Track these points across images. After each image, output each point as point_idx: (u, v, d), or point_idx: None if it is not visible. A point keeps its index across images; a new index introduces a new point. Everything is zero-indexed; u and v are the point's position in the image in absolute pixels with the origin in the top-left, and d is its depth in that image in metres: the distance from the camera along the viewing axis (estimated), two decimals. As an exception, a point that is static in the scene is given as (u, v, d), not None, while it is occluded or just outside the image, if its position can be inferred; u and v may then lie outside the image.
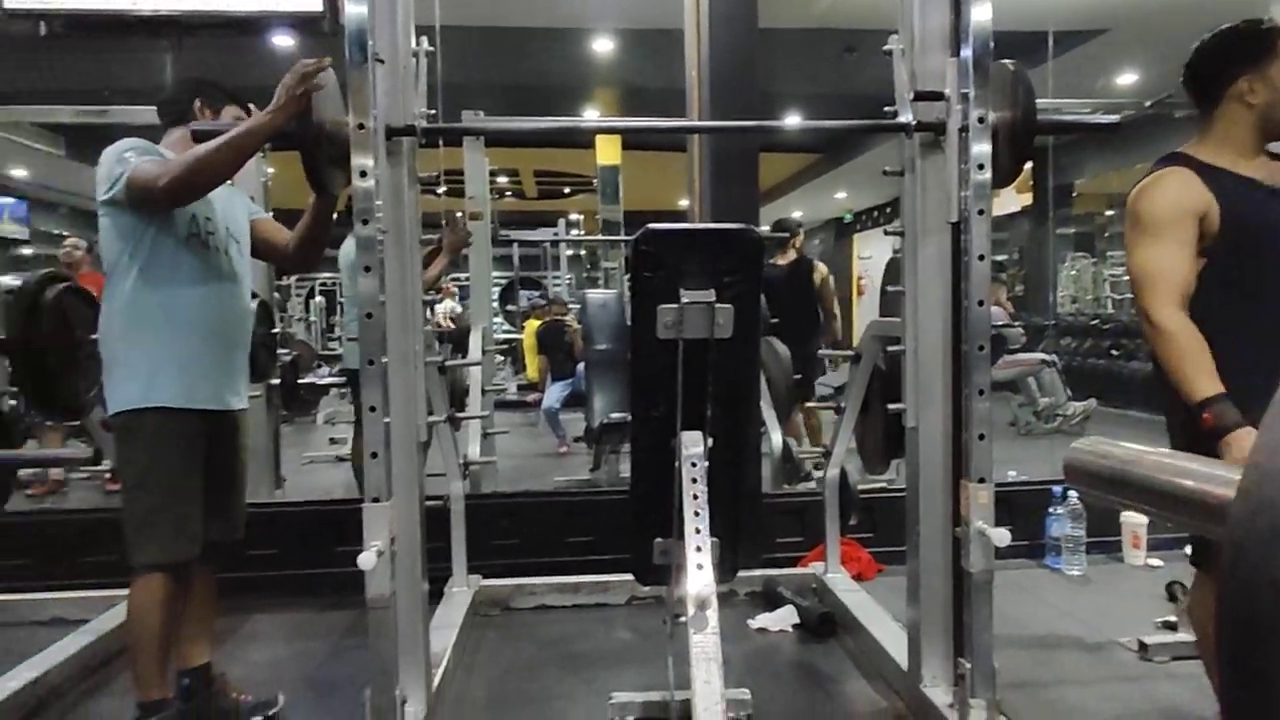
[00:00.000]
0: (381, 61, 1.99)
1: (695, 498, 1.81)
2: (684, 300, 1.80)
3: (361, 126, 1.90)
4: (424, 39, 2.21)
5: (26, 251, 11.17)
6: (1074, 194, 10.62)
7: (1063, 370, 7.06)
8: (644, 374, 1.94)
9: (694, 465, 1.85)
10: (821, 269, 5.22)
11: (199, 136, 2.04)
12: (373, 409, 1.92)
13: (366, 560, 1.87)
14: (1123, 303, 10.58)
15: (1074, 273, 11.48)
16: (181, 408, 2.12)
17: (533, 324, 8.61)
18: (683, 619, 1.70)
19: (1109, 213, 11.41)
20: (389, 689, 1.99)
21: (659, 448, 1.96)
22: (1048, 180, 8.41)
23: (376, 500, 1.94)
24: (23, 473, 4.93)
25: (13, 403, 3.20)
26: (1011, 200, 9.76)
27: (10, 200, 10.39)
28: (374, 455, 1.93)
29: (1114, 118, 2.16)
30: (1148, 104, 4.55)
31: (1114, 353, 8.31)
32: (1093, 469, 0.63)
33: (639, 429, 2.02)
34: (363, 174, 1.90)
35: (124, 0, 3.18)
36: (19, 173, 10.33)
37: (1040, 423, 6.80)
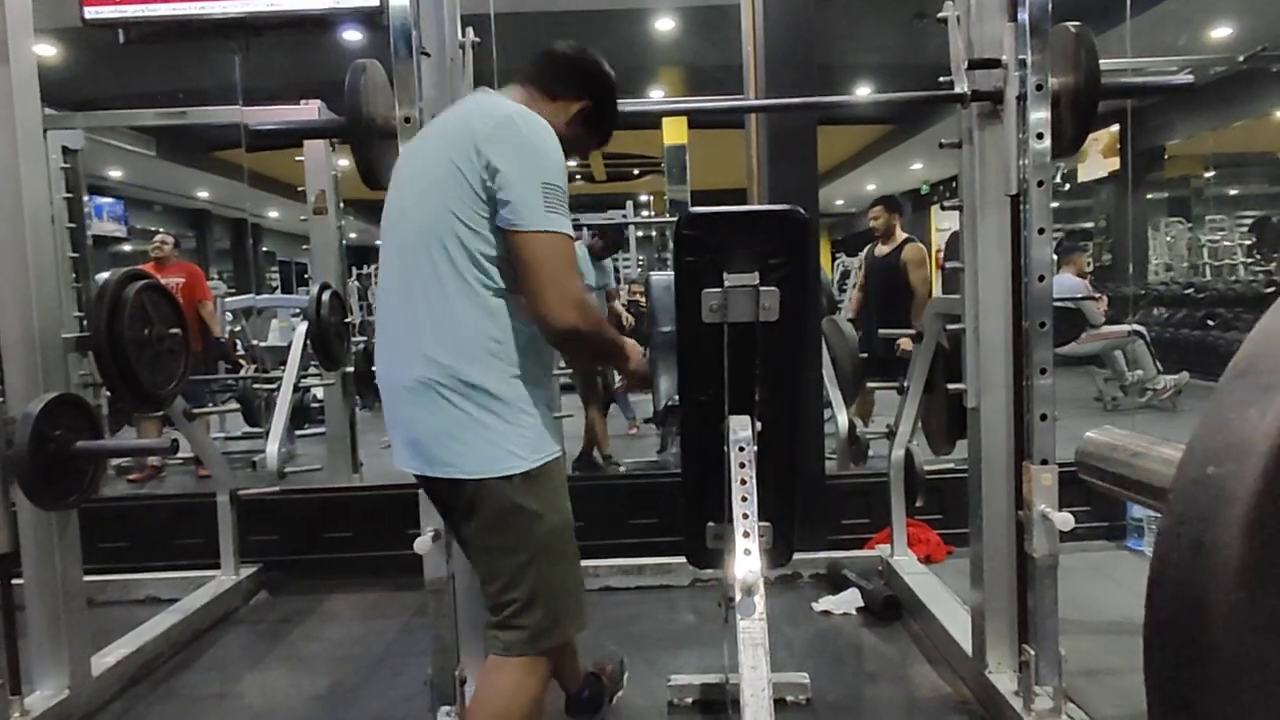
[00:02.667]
0: (427, 54, 2.02)
1: (743, 482, 1.79)
2: (728, 284, 1.78)
3: (408, 120, 1.94)
4: (469, 30, 2.23)
5: (126, 248, 11.75)
6: (1165, 156, 10.08)
7: (1152, 342, 6.74)
8: (691, 358, 1.93)
9: (742, 449, 1.83)
10: (911, 248, 5.05)
11: (257, 136, 2.11)
12: (426, 397, 1.96)
13: (422, 544, 1.93)
14: (1220, 270, 10.04)
15: (1168, 239, 10.94)
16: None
17: (602, 306, 8.69)
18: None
19: (1206, 175, 10.82)
20: (449, 668, 2.05)
21: (708, 432, 1.95)
22: (1137, 143, 8.01)
23: (432, 486, 1.98)
24: (120, 460, 5.23)
25: (106, 394, 3.39)
26: (1098, 165, 9.35)
27: (108, 200, 10.92)
28: (428, 442, 1.97)
29: (1188, 78, 2.04)
30: (1241, 59, 4.27)
31: (1209, 323, 7.90)
32: (1103, 461, 0.60)
33: (689, 413, 2.01)
34: (410, 166, 1.93)
35: (193, 6, 3.31)
36: (115, 173, 10.86)
37: (1128, 398, 6.52)
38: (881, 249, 5.14)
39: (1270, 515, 0.31)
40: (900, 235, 5.07)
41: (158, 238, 5.69)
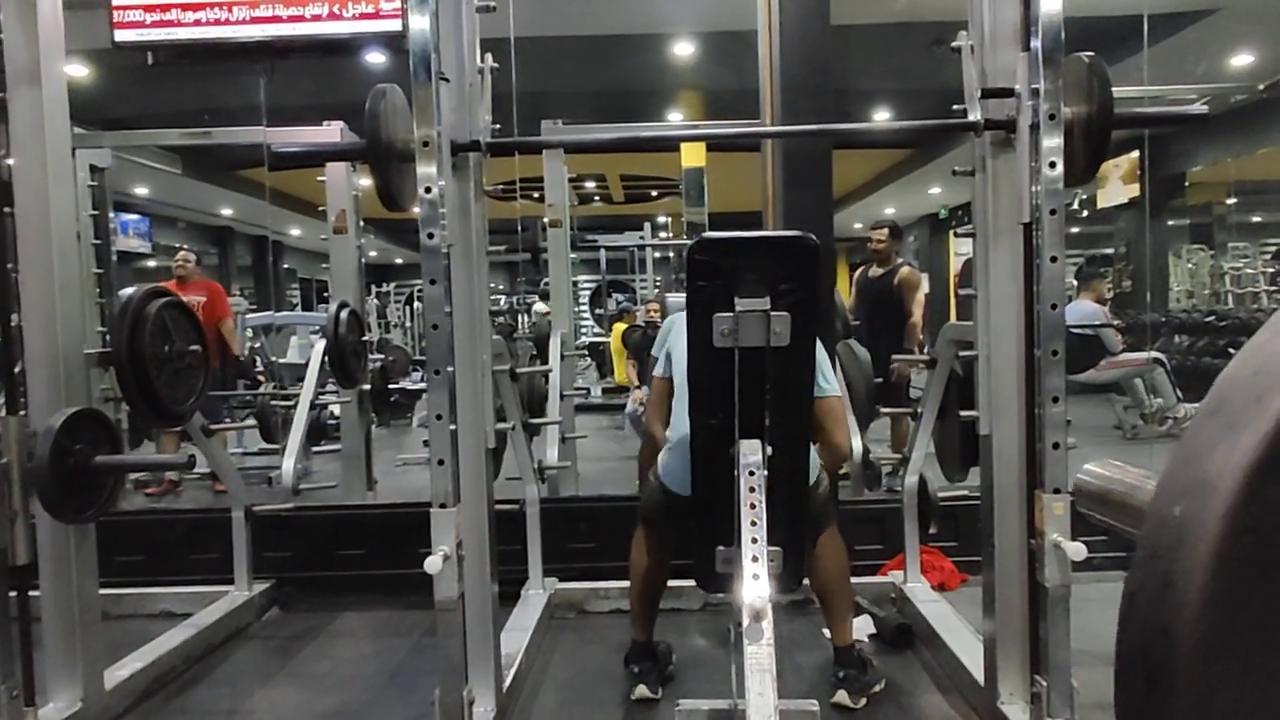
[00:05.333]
0: (446, 80, 2.06)
1: (753, 506, 1.80)
2: (739, 308, 1.79)
3: (426, 144, 1.97)
4: (489, 56, 2.27)
5: (150, 264, 11.92)
6: (1186, 183, 10.03)
7: (1174, 370, 6.67)
8: (702, 382, 1.94)
9: (752, 473, 1.83)
10: (907, 271, 5.06)
11: (279, 157, 2.15)
12: (439, 417, 1.99)
13: (433, 564, 1.94)
14: (1243, 297, 9.96)
15: (1190, 266, 10.86)
16: None
17: (620, 327, 8.72)
18: (745, 628, 1.69)
19: (1229, 201, 10.75)
20: (457, 689, 2.05)
21: (719, 456, 1.95)
22: (1158, 170, 7.98)
23: (444, 506, 2.00)
24: (138, 475, 5.28)
25: (127, 410, 3.44)
26: (1118, 191, 9.32)
27: (134, 217, 11.10)
28: (440, 462, 1.99)
29: (1202, 109, 2.04)
30: (1261, 87, 4.26)
31: (1231, 351, 7.81)
32: (1099, 493, 0.60)
33: (699, 437, 2.02)
34: (428, 189, 1.97)
35: (221, 29, 3.38)
36: (142, 190, 11.05)
37: (1148, 426, 6.45)
38: (875, 271, 5.14)
39: (1235, 552, 0.32)
40: (895, 260, 5.09)
41: (180, 255, 5.78)
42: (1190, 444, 0.37)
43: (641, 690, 2.53)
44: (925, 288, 5.06)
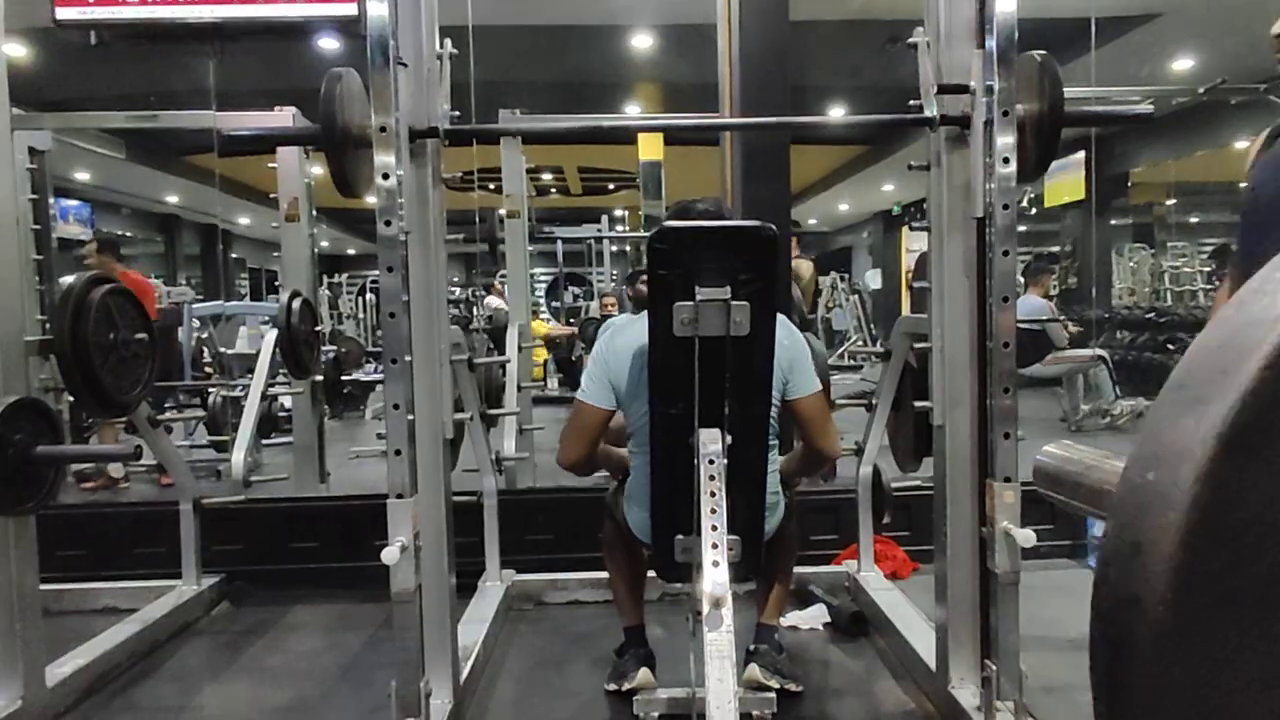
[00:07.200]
0: (404, 65, 2.03)
1: (712, 494, 1.81)
2: (699, 298, 1.80)
3: (384, 129, 1.94)
4: (448, 42, 2.24)
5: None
6: (1129, 184, 10.32)
7: (1115, 365, 6.88)
8: (662, 371, 1.95)
9: (712, 462, 1.85)
10: (800, 266, 5.27)
11: (229, 141, 2.10)
12: (396, 407, 1.96)
13: (390, 555, 1.92)
14: (1182, 295, 10.28)
15: (1132, 264, 11.18)
16: None
17: (541, 326, 9.06)
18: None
19: (1169, 202, 11.08)
20: (414, 681, 2.03)
21: (678, 445, 1.96)
22: (1102, 170, 8.20)
23: (400, 496, 1.98)
24: (80, 467, 5.12)
25: (70, 399, 3.33)
26: (1064, 190, 9.54)
27: (74, 203, 10.76)
28: (397, 452, 1.97)
29: (1148, 108, 2.10)
30: (1201, 90, 4.40)
31: (1170, 346, 8.07)
32: (1057, 473, 0.62)
33: (659, 426, 2.03)
34: (385, 175, 1.94)
35: (169, 9, 3.28)
36: (83, 176, 10.71)
37: (1094, 419, 6.64)
38: None
39: (1204, 518, 0.33)
40: (794, 251, 5.35)
41: (86, 247, 5.57)
42: (1158, 417, 0.38)
43: (644, 675, 2.35)
44: (809, 272, 5.40)
